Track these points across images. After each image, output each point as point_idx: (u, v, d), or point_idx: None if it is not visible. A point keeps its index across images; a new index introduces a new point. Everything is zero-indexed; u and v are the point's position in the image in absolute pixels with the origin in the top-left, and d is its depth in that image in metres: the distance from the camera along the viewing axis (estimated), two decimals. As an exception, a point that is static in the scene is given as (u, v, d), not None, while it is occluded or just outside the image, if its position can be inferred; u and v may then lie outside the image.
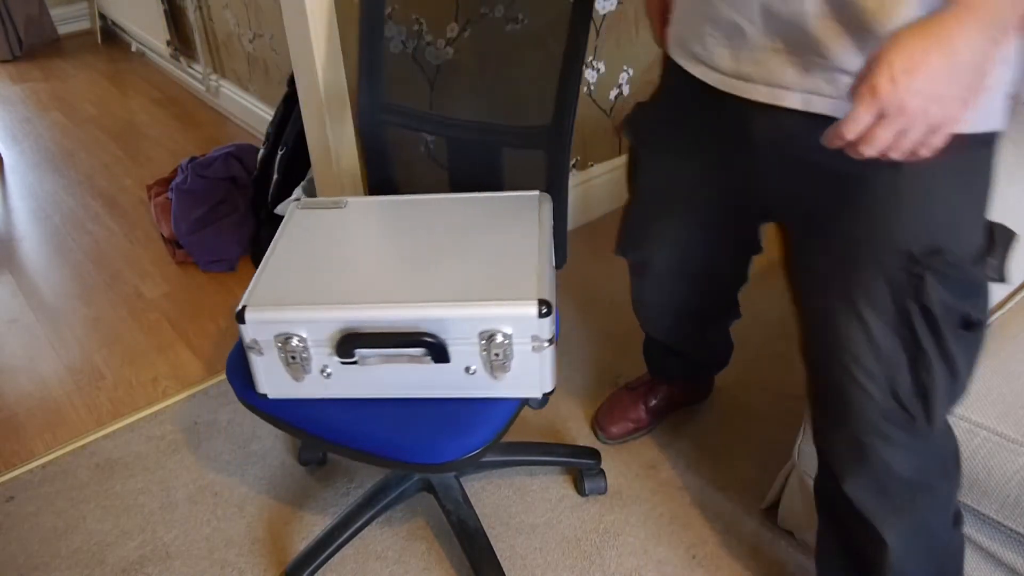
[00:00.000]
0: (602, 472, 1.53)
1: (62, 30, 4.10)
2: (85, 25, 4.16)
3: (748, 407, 1.70)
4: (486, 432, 1.11)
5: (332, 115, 1.70)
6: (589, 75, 2.13)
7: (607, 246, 2.24)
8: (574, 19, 1.21)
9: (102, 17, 3.99)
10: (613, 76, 2.19)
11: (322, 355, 1.09)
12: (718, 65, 0.97)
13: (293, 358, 1.09)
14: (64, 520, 1.53)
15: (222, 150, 2.39)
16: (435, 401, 1.14)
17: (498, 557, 1.36)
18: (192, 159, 2.39)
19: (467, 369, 1.09)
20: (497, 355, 1.07)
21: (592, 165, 2.29)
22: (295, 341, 1.07)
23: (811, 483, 1.31)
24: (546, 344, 1.07)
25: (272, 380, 1.13)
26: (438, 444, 1.09)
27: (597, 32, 2.09)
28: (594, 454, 1.54)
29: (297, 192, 2.04)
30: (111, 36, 4.05)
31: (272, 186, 2.13)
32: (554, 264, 1.23)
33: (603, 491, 1.53)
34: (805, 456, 1.31)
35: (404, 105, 1.41)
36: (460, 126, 1.38)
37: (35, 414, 1.77)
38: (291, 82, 2.04)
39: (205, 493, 1.56)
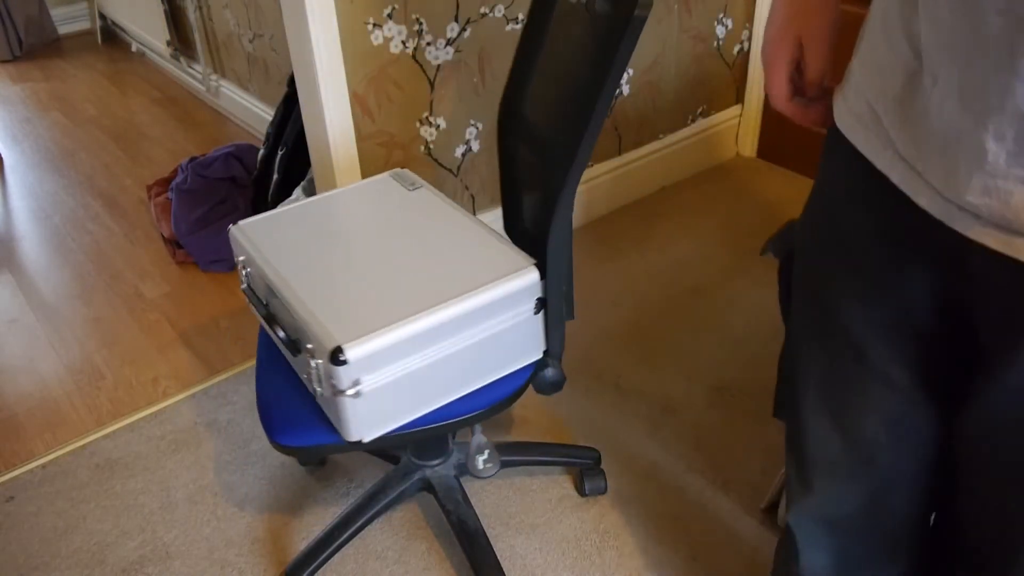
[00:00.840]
0: (602, 472, 1.53)
1: (62, 30, 4.10)
2: (85, 25, 4.16)
3: (748, 407, 1.70)
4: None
5: (332, 115, 1.70)
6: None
7: (607, 246, 2.24)
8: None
9: (102, 17, 3.99)
10: (613, 76, 2.18)
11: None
12: (929, 178, 0.65)
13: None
14: (64, 520, 1.53)
15: (222, 150, 2.39)
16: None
17: (498, 557, 1.36)
18: (192, 159, 2.39)
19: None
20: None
21: (592, 165, 2.29)
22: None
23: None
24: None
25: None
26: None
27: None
28: (594, 454, 1.54)
29: (297, 192, 2.04)
30: (111, 36, 4.05)
31: (272, 186, 2.13)
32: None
33: (603, 491, 1.53)
34: (805, 456, 1.31)
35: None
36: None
37: (35, 414, 1.77)
38: (291, 82, 2.04)
39: (205, 493, 1.56)
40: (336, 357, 1.01)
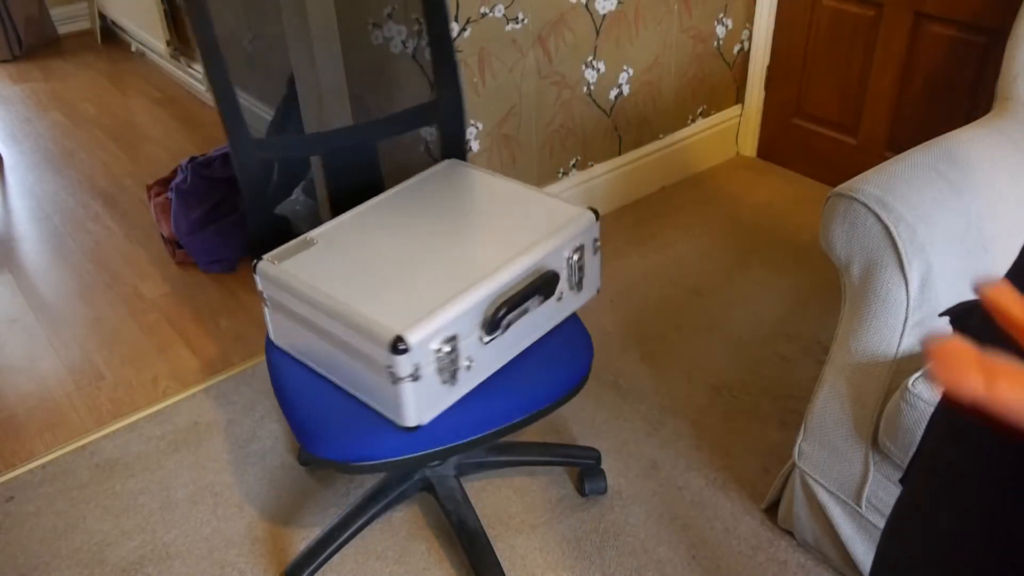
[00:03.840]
0: (602, 472, 1.53)
1: (62, 30, 4.10)
2: (85, 25, 4.16)
3: (748, 407, 1.70)
4: (586, 352, 1.27)
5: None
6: (589, 75, 2.13)
7: (607, 246, 2.24)
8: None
9: (102, 17, 3.99)
10: (613, 76, 2.19)
11: (467, 348, 1.10)
12: None
13: (452, 362, 1.08)
14: (64, 520, 1.53)
15: (222, 150, 2.38)
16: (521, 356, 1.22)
17: (498, 557, 1.36)
18: (192, 159, 2.38)
19: (559, 297, 1.20)
20: (581, 267, 1.23)
21: (592, 165, 2.29)
22: (452, 343, 1.07)
23: (811, 483, 1.31)
24: (598, 244, 1.25)
25: (424, 403, 1.08)
26: (562, 374, 1.22)
27: (597, 32, 2.09)
28: (594, 454, 1.54)
29: (297, 192, 2.04)
30: (111, 36, 4.04)
31: (272, 186, 2.13)
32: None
33: (603, 491, 1.53)
34: (805, 456, 1.31)
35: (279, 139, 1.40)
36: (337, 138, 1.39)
37: (35, 414, 1.77)
38: (291, 82, 2.04)
39: (205, 493, 1.56)
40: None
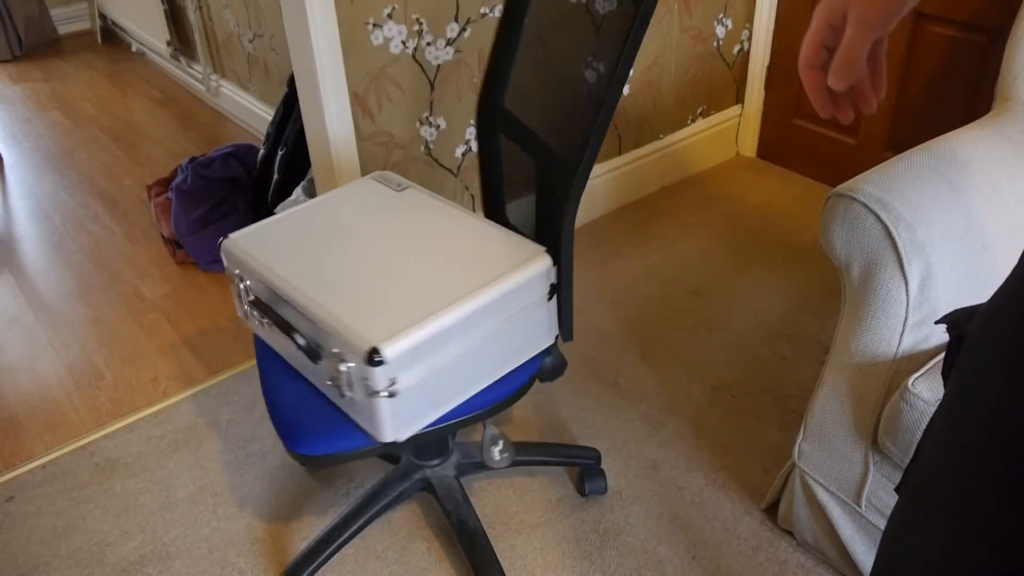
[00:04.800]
0: (602, 472, 1.53)
1: (62, 30, 4.10)
2: (85, 25, 4.16)
3: (748, 407, 1.70)
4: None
5: (332, 115, 1.70)
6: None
7: (607, 246, 2.24)
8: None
9: (102, 17, 3.99)
10: (613, 76, 2.19)
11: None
12: None
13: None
14: (64, 520, 1.53)
15: (222, 150, 2.39)
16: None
17: (498, 557, 1.36)
18: (192, 159, 2.38)
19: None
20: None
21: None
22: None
23: (811, 483, 1.31)
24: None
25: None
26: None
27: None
28: (594, 454, 1.54)
29: (297, 192, 2.04)
30: (111, 36, 4.04)
31: (272, 186, 2.13)
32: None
33: (603, 491, 1.53)
34: (805, 456, 1.31)
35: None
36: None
37: (35, 414, 1.77)
38: (291, 82, 2.04)
39: (205, 493, 1.56)
40: (372, 358, 0.99)
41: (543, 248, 1.17)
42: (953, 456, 0.58)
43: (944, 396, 0.62)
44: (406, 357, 1.02)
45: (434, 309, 1.06)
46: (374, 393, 1.03)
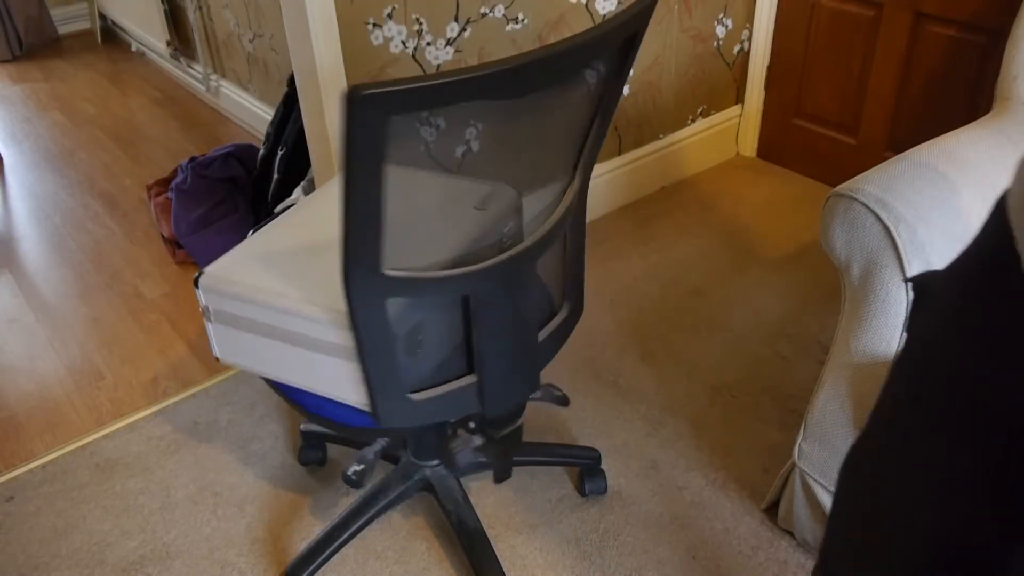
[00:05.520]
0: (602, 472, 1.53)
1: (62, 30, 4.10)
2: (85, 25, 4.16)
3: (748, 407, 1.70)
4: None
5: (332, 115, 1.70)
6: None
7: (607, 246, 2.24)
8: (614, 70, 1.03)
9: (102, 17, 3.99)
10: (613, 76, 2.19)
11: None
12: None
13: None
14: (64, 520, 1.53)
15: (222, 150, 2.39)
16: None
17: (498, 557, 1.36)
18: (192, 159, 2.38)
19: None
20: None
21: (592, 165, 2.29)
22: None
23: (811, 483, 1.31)
24: None
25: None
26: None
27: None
28: (594, 454, 1.54)
29: (297, 192, 2.04)
30: (111, 36, 4.04)
31: (272, 186, 2.13)
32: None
33: (603, 491, 1.53)
34: (805, 456, 1.31)
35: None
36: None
37: (35, 414, 1.77)
38: (291, 82, 2.04)
39: (205, 493, 1.56)
40: (196, 278, 1.15)
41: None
42: (904, 399, 0.61)
43: (901, 347, 0.64)
44: (214, 296, 1.14)
45: (271, 289, 1.10)
46: (204, 310, 1.17)
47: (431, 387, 1.10)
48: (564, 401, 1.53)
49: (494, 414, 1.19)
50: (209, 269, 1.16)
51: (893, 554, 0.65)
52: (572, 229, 1.10)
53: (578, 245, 1.15)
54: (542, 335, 1.15)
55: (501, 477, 1.32)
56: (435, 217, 1.11)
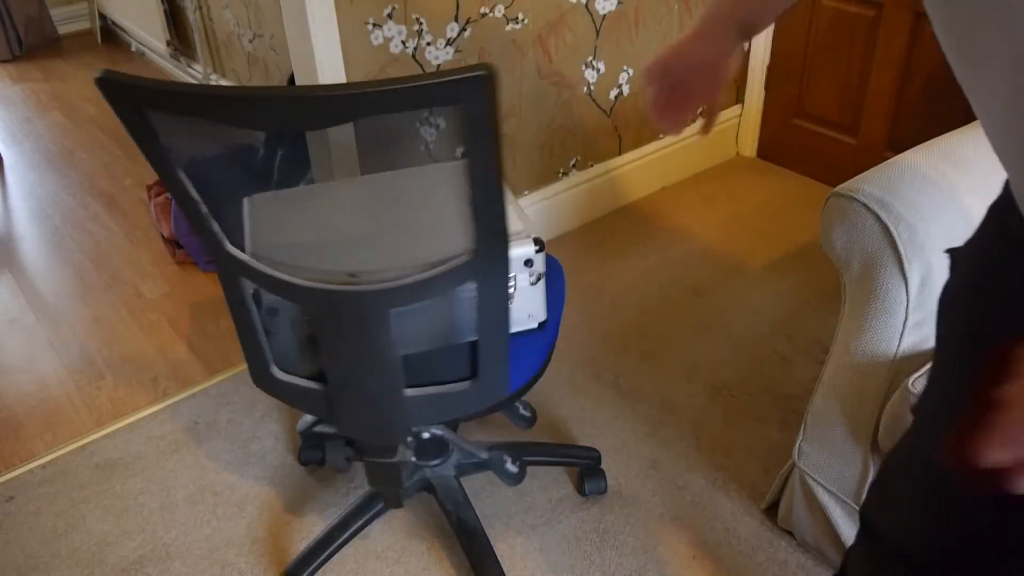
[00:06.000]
0: (602, 472, 1.53)
1: (62, 30, 4.09)
2: (85, 25, 4.16)
3: (748, 407, 1.70)
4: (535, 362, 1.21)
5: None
6: (589, 75, 2.13)
7: (607, 246, 2.24)
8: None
9: (102, 17, 3.99)
10: (613, 76, 2.19)
11: None
12: None
13: None
14: (64, 520, 1.53)
15: (222, 150, 2.38)
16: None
17: (498, 557, 1.36)
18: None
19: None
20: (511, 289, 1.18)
21: (592, 165, 2.29)
22: None
23: (811, 483, 1.31)
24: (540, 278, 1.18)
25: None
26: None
27: (597, 32, 2.09)
28: (594, 454, 1.54)
29: (297, 192, 2.04)
30: (111, 36, 4.04)
31: (271, 187, 2.13)
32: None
33: (603, 491, 1.53)
34: (805, 456, 1.31)
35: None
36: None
37: (35, 414, 1.77)
38: (291, 82, 2.04)
39: (205, 493, 1.56)
40: (536, 248, 1.13)
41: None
42: (936, 346, 0.75)
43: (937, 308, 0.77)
44: None
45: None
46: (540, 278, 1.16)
47: (292, 373, 1.12)
48: (530, 422, 1.56)
49: (348, 436, 1.21)
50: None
51: (906, 487, 0.75)
52: (483, 306, 1.00)
53: (496, 323, 1.04)
54: (415, 392, 1.10)
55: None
56: (286, 218, 1.14)
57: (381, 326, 1.00)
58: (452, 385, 1.10)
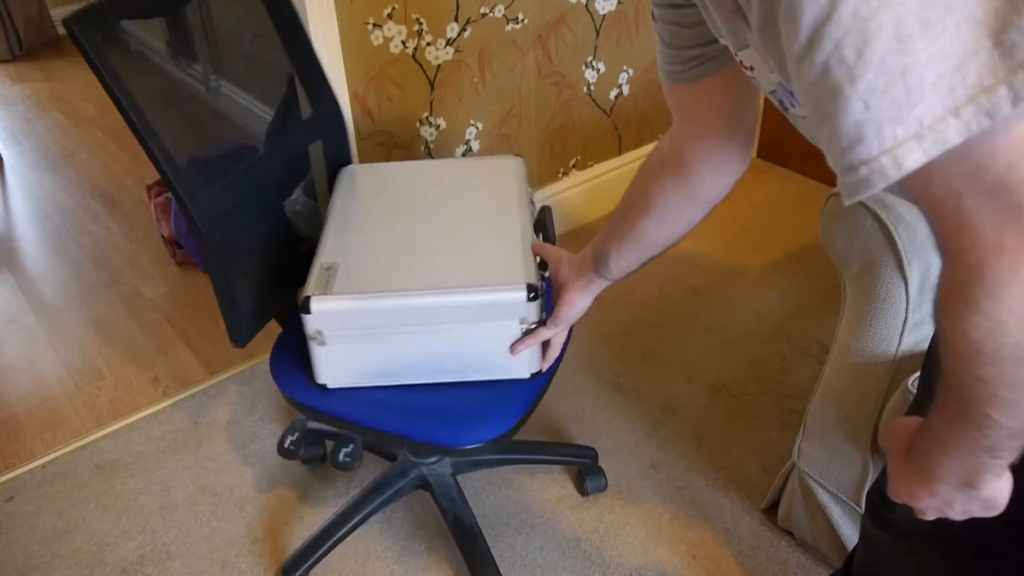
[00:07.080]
0: (602, 471, 1.53)
1: (62, 30, 4.09)
2: (85, 25, 4.15)
3: (748, 407, 1.70)
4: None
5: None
6: (589, 75, 2.13)
7: (607, 246, 2.24)
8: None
9: (102, 17, 3.99)
10: (613, 76, 2.19)
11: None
12: None
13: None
14: (64, 520, 1.53)
15: (221, 150, 2.38)
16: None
17: (498, 557, 1.36)
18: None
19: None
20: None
21: (592, 165, 2.29)
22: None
23: (811, 483, 1.31)
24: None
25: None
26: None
27: (597, 32, 2.09)
28: (591, 452, 1.54)
29: (297, 192, 2.04)
30: (111, 36, 4.04)
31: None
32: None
33: (603, 490, 1.53)
34: (805, 456, 1.31)
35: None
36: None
37: (35, 414, 1.77)
38: (291, 82, 2.04)
39: (205, 493, 1.56)
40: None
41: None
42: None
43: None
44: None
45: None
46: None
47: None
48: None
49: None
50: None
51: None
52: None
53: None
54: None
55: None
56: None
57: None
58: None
